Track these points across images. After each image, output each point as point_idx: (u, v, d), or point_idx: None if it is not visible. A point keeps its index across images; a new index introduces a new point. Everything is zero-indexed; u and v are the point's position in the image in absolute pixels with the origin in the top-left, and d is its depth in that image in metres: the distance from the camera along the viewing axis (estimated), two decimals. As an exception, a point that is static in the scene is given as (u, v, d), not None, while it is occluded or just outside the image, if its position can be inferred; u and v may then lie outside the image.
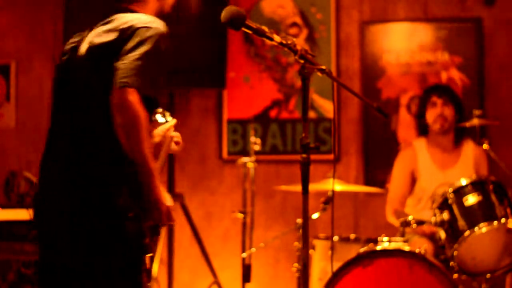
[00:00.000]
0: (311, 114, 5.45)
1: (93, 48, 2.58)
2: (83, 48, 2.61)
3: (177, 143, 3.11)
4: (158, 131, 3.04)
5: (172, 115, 5.41)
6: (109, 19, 2.64)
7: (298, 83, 5.38)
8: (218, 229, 5.55)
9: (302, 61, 2.61)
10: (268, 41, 2.64)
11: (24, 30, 5.44)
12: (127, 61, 2.47)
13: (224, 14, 2.59)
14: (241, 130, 5.53)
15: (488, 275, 3.99)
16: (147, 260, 2.54)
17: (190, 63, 4.96)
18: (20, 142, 5.35)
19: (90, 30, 2.68)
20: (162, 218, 2.51)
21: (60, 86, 2.68)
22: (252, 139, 4.86)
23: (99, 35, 2.59)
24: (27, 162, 5.20)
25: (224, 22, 2.60)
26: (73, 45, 2.69)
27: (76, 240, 2.50)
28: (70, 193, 2.52)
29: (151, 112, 2.57)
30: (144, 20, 2.58)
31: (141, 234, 2.48)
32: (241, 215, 4.76)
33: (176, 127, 5.78)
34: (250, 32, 2.62)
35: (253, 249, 4.67)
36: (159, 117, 3.09)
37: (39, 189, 2.63)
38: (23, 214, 4.45)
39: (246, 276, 4.68)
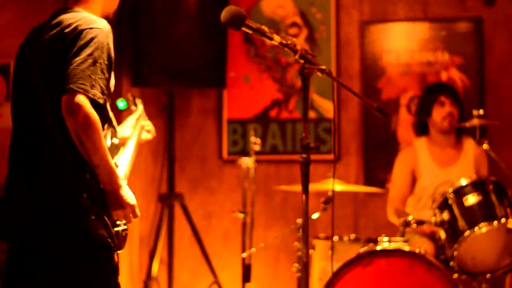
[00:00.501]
0: (311, 114, 5.45)
1: (43, 55, 2.59)
2: (35, 55, 2.63)
3: (148, 131, 3.12)
4: (128, 122, 3.05)
5: (172, 115, 5.43)
6: (55, 21, 2.63)
7: (298, 83, 5.38)
8: (218, 229, 5.55)
9: (302, 61, 2.61)
10: (268, 41, 2.65)
11: (24, 30, 5.42)
12: (73, 66, 2.47)
13: (224, 14, 2.59)
14: (241, 130, 5.53)
15: (488, 275, 3.99)
16: (116, 258, 2.58)
17: (190, 63, 4.96)
18: (20, 142, 5.34)
19: (40, 30, 2.68)
20: (127, 216, 2.54)
21: (18, 90, 2.70)
22: (252, 139, 4.85)
23: (46, 40, 2.60)
24: (27, 162, 5.20)
25: (224, 22, 2.60)
26: (26, 47, 2.72)
27: (41, 245, 2.52)
28: (32, 201, 2.53)
29: (104, 115, 2.56)
30: (87, 21, 2.57)
31: (105, 234, 2.49)
32: (241, 215, 4.76)
33: (177, 127, 5.78)
34: (250, 32, 2.62)
35: (253, 249, 4.67)
36: (131, 106, 3.10)
37: (5, 194, 2.63)
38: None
39: (246, 276, 4.68)
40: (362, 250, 3.85)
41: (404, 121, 5.35)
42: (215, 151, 5.58)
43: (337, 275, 3.78)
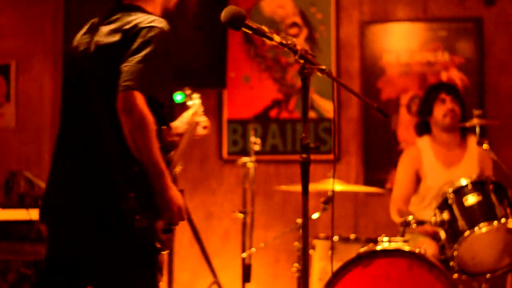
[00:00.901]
0: (311, 114, 5.45)
1: (99, 49, 2.57)
2: (90, 48, 2.60)
3: (204, 127, 3.10)
4: (184, 118, 3.02)
5: (172, 115, 5.42)
6: (114, 17, 2.62)
7: (298, 83, 5.38)
8: (218, 229, 5.55)
9: (302, 61, 2.60)
10: (268, 41, 2.64)
11: (24, 30, 5.44)
12: (131, 64, 2.45)
13: (224, 14, 2.59)
14: (241, 130, 5.53)
15: (488, 275, 3.99)
16: (161, 259, 2.55)
17: (190, 63, 4.96)
18: (20, 142, 5.35)
19: (95, 26, 2.66)
20: (174, 217, 2.51)
21: (69, 87, 2.67)
22: (252, 139, 4.86)
23: (104, 35, 2.58)
24: (27, 162, 5.20)
25: (224, 22, 2.59)
26: (80, 43, 2.67)
27: (87, 243, 2.51)
28: (79, 198, 2.52)
29: (159, 114, 2.53)
30: (147, 20, 2.55)
31: (151, 235, 2.47)
32: (241, 215, 4.76)
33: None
34: (250, 32, 2.61)
35: (253, 249, 4.67)
36: (188, 100, 3.08)
37: (48, 192, 2.61)
38: (23, 214, 4.44)
39: (246, 276, 4.68)
40: (362, 250, 3.85)
41: (404, 121, 5.35)
42: (215, 151, 5.58)
43: (337, 275, 3.77)
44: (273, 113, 5.53)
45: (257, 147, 4.84)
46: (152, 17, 2.58)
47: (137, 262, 2.51)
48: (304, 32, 5.54)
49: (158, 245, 2.49)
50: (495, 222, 3.87)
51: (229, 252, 5.44)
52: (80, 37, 2.70)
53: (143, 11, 2.64)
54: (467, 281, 4.19)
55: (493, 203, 3.94)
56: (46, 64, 5.38)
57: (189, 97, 3.22)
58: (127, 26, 2.54)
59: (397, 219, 4.46)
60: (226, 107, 5.56)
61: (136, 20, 2.55)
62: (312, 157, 2.57)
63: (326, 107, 5.45)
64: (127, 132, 2.42)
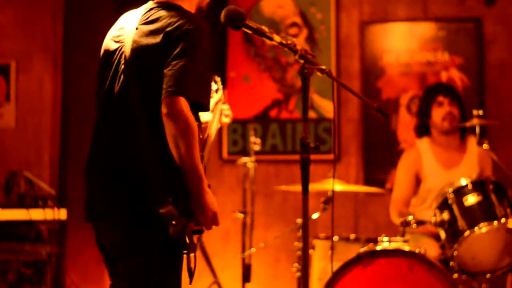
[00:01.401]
0: (311, 114, 5.45)
1: (138, 49, 2.52)
2: (128, 47, 2.54)
3: (226, 115, 3.08)
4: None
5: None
6: (153, 17, 2.56)
7: (298, 83, 5.38)
8: (218, 229, 5.52)
9: (302, 61, 2.60)
10: (268, 41, 2.64)
11: (24, 30, 5.43)
12: (175, 68, 2.41)
13: (224, 14, 2.59)
14: (241, 130, 5.53)
15: (488, 275, 3.99)
16: (191, 259, 2.54)
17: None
18: (20, 142, 5.35)
19: (132, 22, 2.59)
20: (208, 223, 2.55)
21: (105, 86, 2.60)
22: (252, 139, 4.86)
23: (144, 35, 2.52)
24: (27, 162, 5.20)
25: (224, 22, 2.59)
26: (116, 39, 2.62)
27: (125, 246, 2.53)
28: (117, 201, 2.52)
29: (197, 116, 2.52)
30: (189, 21, 2.50)
31: (183, 237, 2.46)
32: (241, 215, 4.76)
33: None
34: (250, 32, 2.61)
35: (253, 249, 4.67)
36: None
37: (89, 196, 2.61)
38: (23, 214, 4.45)
39: (246, 276, 4.68)
40: (362, 250, 3.85)
41: (404, 121, 5.35)
42: (215, 151, 5.57)
43: (337, 275, 3.78)
44: (273, 113, 5.53)
45: (257, 147, 4.84)
46: (193, 18, 2.54)
47: (166, 262, 2.51)
48: (304, 32, 5.54)
49: (188, 247, 2.48)
50: (495, 222, 3.87)
51: (229, 252, 5.44)
52: (116, 32, 2.64)
53: (183, 10, 2.58)
54: (467, 281, 4.19)
55: (493, 203, 3.94)
56: (46, 64, 5.38)
57: (213, 81, 3.18)
58: (169, 28, 2.48)
59: (397, 220, 4.46)
60: (226, 107, 5.55)
61: (179, 21, 2.49)
62: (312, 157, 2.57)
63: (326, 107, 5.45)
64: (170, 137, 2.40)
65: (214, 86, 2.98)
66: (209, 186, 2.60)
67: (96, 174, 2.58)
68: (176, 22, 2.49)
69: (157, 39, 2.48)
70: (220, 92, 3.05)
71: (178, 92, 2.39)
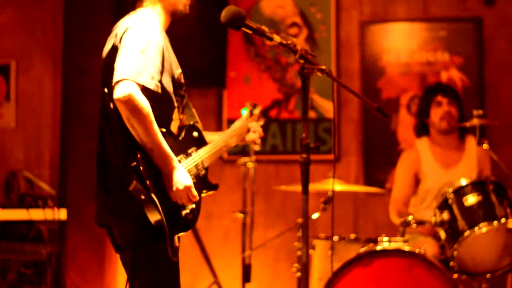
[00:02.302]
0: (311, 114, 5.45)
1: (106, 53, 2.76)
2: (104, 56, 2.79)
3: (255, 131, 3.19)
4: (233, 125, 3.18)
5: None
6: (120, 25, 2.77)
7: (298, 83, 5.38)
8: (218, 229, 5.55)
9: (302, 61, 2.61)
10: (268, 41, 2.65)
11: (24, 30, 5.43)
12: (119, 59, 2.61)
13: (224, 14, 2.59)
14: (241, 130, 5.52)
15: (488, 275, 3.99)
16: (173, 239, 2.68)
17: (190, 63, 4.94)
18: (20, 142, 5.35)
19: (115, 27, 2.83)
20: (182, 197, 2.63)
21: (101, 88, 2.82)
22: (252, 139, 4.85)
23: (108, 43, 2.78)
24: (27, 162, 5.20)
25: (224, 22, 2.60)
26: (104, 51, 2.83)
27: (116, 220, 2.71)
28: (104, 185, 2.72)
29: (165, 102, 2.70)
30: (138, 21, 2.71)
31: (156, 216, 2.56)
32: (241, 215, 4.76)
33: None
34: (250, 32, 2.62)
35: (253, 249, 4.67)
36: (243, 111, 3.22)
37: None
38: (23, 214, 4.45)
39: (246, 276, 4.68)
40: (362, 250, 3.85)
41: (404, 121, 5.35)
42: (215, 151, 5.57)
43: (337, 275, 3.78)
44: (273, 113, 5.53)
45: (257, 147, 4.84)
46: (143, 18, 2.74)
47: (144, 242, 2.65)
48: (304, 32, 5.54)
49: (165, 225, 2.56)
50: (495, 222, 3.87)
51: (229, 252, 5.44)
52: (106, 44, 2.86)
53: (138, 15, 2.79)
54: (467, 281, 4.19)
55: (493, 203, 3.94)
56: (46, 64, 5.38)
57: (252, 108, 3.42)
58: (121, 30, 2.72)
59: (396, 220, 4.46)
60: (226, 107, 5.56)
61: (129, 23, 2.72)
62: (312, 157, 2.58)
63: (326, 107, 5.45)
64: (125, 121, 2.57)
65: (245, 111, 3.20)
66: (216, 186, 2.95)
67: (97, 173, 2.77)
68: (127, 24, 2.72)
69: (112, 42, 2.74)
70: (256, 112, 3.29)
71: (122, 76, 2.55)
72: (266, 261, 5.40)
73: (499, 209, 3.93)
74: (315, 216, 4.11)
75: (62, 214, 4.55)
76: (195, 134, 2.88)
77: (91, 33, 5.44)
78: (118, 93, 2.54)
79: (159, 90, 2.65)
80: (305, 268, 2.65)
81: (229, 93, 5.54)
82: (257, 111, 3.36)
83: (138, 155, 2.56)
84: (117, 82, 2.56)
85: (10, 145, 5.36)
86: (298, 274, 4.19)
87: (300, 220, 4.01)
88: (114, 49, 2.69)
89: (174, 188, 2.61)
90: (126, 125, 2.58)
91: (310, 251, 4.27)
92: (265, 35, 2.63)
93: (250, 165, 4.80)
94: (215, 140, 3.02)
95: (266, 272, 5.42)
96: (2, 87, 5.35)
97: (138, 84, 2.56)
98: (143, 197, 2.53)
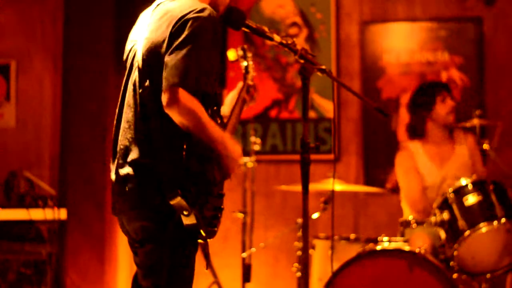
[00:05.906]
0: (311, 114, 5.45)
1: (148, 46, 2.55)
2: (140, 45, 2.59)
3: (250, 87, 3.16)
4: (228, 99, 3.14)
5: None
6: (161, 13, 2.58)
7: (298, 83, 5.38)
8: (218, 229, 5.54)
9: (302, 61, 2.61)
10: (268, 41, 2.65)
11: (24, 30, 5.43)
12: (176, 58, 2.44)
13: (224, 13, 2.59)
14: (241, 130, 5.52)
15: (488, 275, 3.99)
16: (206, 246, 2.65)
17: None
18: (20, 142, 5.35)
19: (145, 21, 2.65)
20: (234, 167, 2.75)
21: (124, 85, 2.67)
22: (252, 139, 4.86)
23: (153, 31, 2.56)
24: (27, 162, 5.20)
25: (224, 22, 2.60)
26: (132, 39, 2.69)
27: (141, 234, 2.61)
28: (132, 197, 2.59)
29: (208, 100, 2.57)
30: (192, 10, 2.50)
31: (197, 226, 2.53)
32: (241, 215, 4.76)
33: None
34: (250, 31, 2.62)
35: (253, 249, 4.67)
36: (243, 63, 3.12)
37: (112, 188, 2.69)
38: (23, 214, 4.45)
39: (246, 276, 4.68)
40: (362, 250, 3.85)
41: (404, 121, 5.35)
42: (215, 151, 5.57)
43: (337, 275, 3.78)
44: (273, 113, 5.53)
45: (257, 147, 4.84)
46: (198, 6, 2.52)
47: (176, 248, 2.56)
48: (304, 32, 5.54)
49: (203, 233, 2.56)
50: (495, 222, 3.88)
51: (229, 252, 5.44)
52: (133, 31, 2.72)
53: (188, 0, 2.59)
54: (467, 281, 4.19)
55: (493, 203, 3.94)
56: (46, 64, 5.38)
57: (243, 54, 3.20)
58: (173, 19, 2.50)
59: (418, 216, 4.33)
60: (226, 107, 5.55)
61: (182, 12, 2.50)
62: (312, 157, 2.58)
63: (326, 107, 5.45)
64: (179, 124, 2.45)
65: (243, 62, 3.14)
66: (223, 195, 2.80)
67: (114, 171, 2.63)
68: (180, 12, 2.51)
69: (165, 33, 2.50)
70: (250, 66, 3.17)
71: (177, 83, 2.41)
72: (266, 261, 5.40)
73: (499, 209, 3.93)
74: (315, 216, 4.11)
75: (62, 214, 4.55)
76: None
77: (91, 33, 5.45)
78: (170, 99, 2.41)
79: (215, 90, 2.59)
80: (305, 268, 2.65)
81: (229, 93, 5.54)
82: (251, 62, 3.21)
83: (183, 164, 2.46)
84: (166, 88, 2.41)
85: (10, 145, 5.36)
86: (298, 274, 4.19)
87: (300, 220, 4.01)
88: (166, 41, 2.48)
89: (228, 159, 2.68)
90: (169, 127, 2.46)
91: (310, 251, 4.27)
92: (265, 35, 2.63)
93: (250, 165, 4.80)
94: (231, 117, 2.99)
95: (266, 272, 5.42)
96: (2, 87, 5.35)
97: (191, 91, 2.43)
98: (186, 213, 2.46)
